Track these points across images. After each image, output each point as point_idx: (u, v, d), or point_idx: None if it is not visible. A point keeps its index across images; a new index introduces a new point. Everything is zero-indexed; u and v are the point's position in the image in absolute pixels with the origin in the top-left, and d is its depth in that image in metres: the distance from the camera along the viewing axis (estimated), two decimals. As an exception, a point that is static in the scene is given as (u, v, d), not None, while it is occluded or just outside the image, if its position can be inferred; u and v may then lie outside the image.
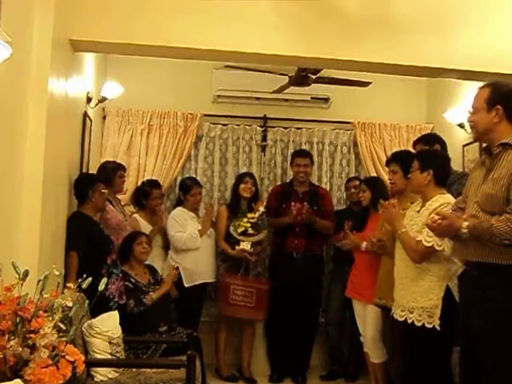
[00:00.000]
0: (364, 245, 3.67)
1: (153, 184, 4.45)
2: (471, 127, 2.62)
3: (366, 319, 3.74)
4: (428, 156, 3.12)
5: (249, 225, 4.34)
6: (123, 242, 3.85)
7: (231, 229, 4.38)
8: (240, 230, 4.34)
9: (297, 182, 4.69)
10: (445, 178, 3.01)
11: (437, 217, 2.44)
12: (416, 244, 2.83)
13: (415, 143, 3.75)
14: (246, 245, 4.33)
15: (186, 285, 4.27)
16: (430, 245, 2.77)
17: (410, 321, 2.85)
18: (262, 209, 4.42)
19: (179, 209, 4.45)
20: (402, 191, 3.35)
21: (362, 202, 3.95)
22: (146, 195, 4.35)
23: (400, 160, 3.37)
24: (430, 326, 2.78)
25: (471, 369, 2.40)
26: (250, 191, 4.49)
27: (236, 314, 4.38)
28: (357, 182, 4.65)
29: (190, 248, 4.32)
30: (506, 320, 2.26)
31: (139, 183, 4.64)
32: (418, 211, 2.97)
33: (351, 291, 3.94)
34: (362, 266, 3.82)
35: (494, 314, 2.28)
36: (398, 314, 2.94)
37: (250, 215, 4.38)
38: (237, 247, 4.34)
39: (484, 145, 2.63)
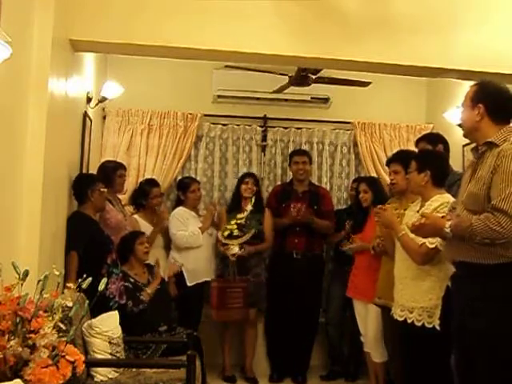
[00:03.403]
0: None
1: (151, 183, 4.43)
2: (461, 126, 2.60)
3: (368, 319, 3.74)
4: (425, 157, 3.12)
5: (235, 227, 4.32)
6: (122, 242, 3.80)
7: (219, 234, 4.38)
8: (226, 232, 4.33)
9: (296, 180, 4.69)
10: (443, 178, 3.01)
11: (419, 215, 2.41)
12: (419, 247, 2.81)
13: (418, 141, 3.73)
14: (233, 248, 4.30)
15: (189, 284, 4.29)
16: (433, 246, 2.75)
17: (409, 321, 2.85)
18: (250, 207, 4.41)
19: (181, 208, 4.47)
20: (404, 191, 3.34)
21: (363, 203, 3.94)
22: (146, 194, 4.34)
23: (402, 160, 3.35)
24: (430, 326, 2.78)
25: (467, 369, 2.39)
26: (250, 191, 4.49)
27: (230, 318, 4.34)
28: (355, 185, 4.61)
29: (192, 246, 4.34)
30: (495, 318, 2.26)
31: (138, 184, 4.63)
32: (418, 211, 2.97)
33: (352, 291, 3.94)
34: (362, 266, 3.82)
35: (484, 313, 2.27)
36: (398, 314, 2.94)
37: (239, 216, 4.37)
38: (226, 252, 4.30)
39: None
